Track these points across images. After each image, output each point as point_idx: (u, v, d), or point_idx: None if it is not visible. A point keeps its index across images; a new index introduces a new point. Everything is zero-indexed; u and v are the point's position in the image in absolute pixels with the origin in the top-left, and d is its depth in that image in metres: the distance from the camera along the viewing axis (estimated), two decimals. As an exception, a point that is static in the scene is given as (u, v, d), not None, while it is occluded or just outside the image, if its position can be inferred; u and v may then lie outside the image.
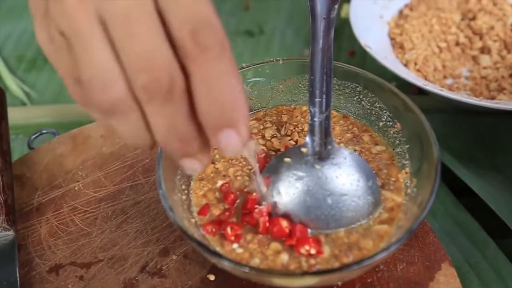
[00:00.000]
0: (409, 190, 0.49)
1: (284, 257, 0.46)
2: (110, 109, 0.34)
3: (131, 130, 0.35)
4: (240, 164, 0.53)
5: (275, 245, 0.46)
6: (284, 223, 0.47)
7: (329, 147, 0.48)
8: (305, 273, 0.43)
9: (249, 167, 0.52)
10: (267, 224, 0.47)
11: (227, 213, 0.49)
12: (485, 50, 0.78)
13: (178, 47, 0.33)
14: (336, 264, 0.45)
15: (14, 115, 0.74)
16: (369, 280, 0.49)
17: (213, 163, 0.53)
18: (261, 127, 0.55)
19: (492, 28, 0.79)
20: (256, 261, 0.45)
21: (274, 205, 0.47)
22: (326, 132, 0.49)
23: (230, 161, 0.53)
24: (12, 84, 0.82)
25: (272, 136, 0.54)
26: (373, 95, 0.54)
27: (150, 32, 0.32)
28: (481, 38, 0.79)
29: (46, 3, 0.34)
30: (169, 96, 0.33)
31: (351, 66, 0.54)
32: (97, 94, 0.33)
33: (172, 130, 0.34)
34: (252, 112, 0.57)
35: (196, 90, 0.33)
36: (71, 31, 0.33)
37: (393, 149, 0.52)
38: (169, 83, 0.33)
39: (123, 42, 0.32)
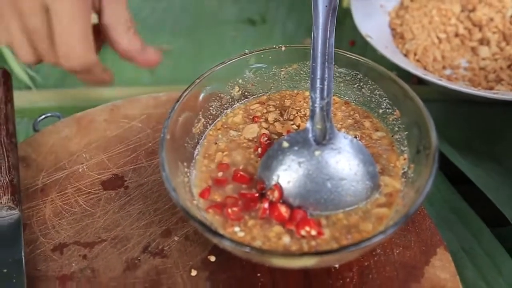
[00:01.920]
0: (407, 176, 0.50)
1: (286, 239, 0.47)
2: None
3: None
4: (244, 145, 0.54)
5: (278, 228, 0.47)
6: (283, 209, 0.48)
7: (329, 132, 0.49)
8: (304, 254, 0.44)
9: (252, 149, 0.53)
10: (267, 211, 0.48)
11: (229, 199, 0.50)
12: (484, 41, 0.79)
13: None
14: (336, 246, 0.46)
15: (19, 98, 0.75)
16: (366, 264, 0.51)
17: (215, 143, 0.54)
18: (265, 110, 0.57)
19: (491, 19, 0.80)
20: (258, 244, 0.46)
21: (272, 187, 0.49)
22: (326, 118, 0.50)
23: (233, 140, 0.54)
24: (18, 69, 0.83)
25: (275, 120, 0.55)
26: (373, 82, 0.55)
27: None
28: (480, 29, 0.80)
29: None
30: None
31: (352, 54, 0.55)
32: None
33: None
34: (255, 96, 0.58)
35: None
36: None
37: (392, 136, 0.53)
38: None
39: None
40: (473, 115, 0.73)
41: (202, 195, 0.50)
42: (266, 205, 0.48)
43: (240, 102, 0.58)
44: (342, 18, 0.90)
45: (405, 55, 0.78)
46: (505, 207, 0.60)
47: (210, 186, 0.51)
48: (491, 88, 0.73)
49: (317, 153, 0.49)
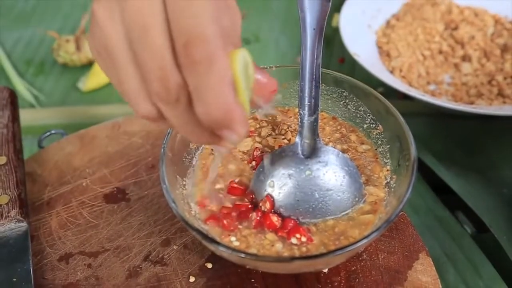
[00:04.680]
0: (390, 186, 0.54)
1: (279, 245, 0.50)
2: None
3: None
4: (239, 157, 0.57)
5: (271, 236, 0.51)
6: (275, 218, 0.51)
7: (317, 146, 0.53)
8: (294, 258, 0.48)
9: (246, 161, 0.57)
10: (258, 219, 0.51)
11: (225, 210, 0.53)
12: (466, 58, 0.83)
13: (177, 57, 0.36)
14: (324, 251, 0.49)
15: (23, 116, 0.78)
16: (353, 268, 0.54)
17: (211, 154, 0.58)
18: (258, 126, 0.60)
19: (473, 37, 0.84)
20: (252, 251, 0.50)
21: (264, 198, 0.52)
22: (314, 133, 0.53)
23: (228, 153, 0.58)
24: (21, 87, 0.87)
25: (268, 135, 0.59)
26: (358, 99, 0.58)
27: (161, 43, 0.36)
28: (462, 47, 0.84)
29: None
30: (176, 102, 0.38)
31: (338, 73, 0.58)
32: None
33: (183, 126, 0.39)
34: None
35: (191, 97, 0.37)
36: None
37: (376, 149, 0.57)
38: (176, 93, 0.37)
39: (140, 53, 0.37)
40: (455, 128, 0.77)
41: (200, 204, 0.53)
42: (258, 217, 0.51)
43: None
44: (332, 37, 0.94)
45: (391, 72, 0.82)
46: (485, 214, 0.64)
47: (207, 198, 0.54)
48: (472, 103, 0.77)
49: (305, 165, 0.52)
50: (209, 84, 0.36)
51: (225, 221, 0.51)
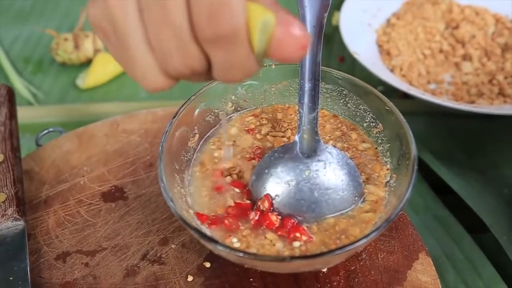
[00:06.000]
0: (390, 185, 0.53)
1: (279, 245, 0.50)
2: None
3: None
4: (240, 154, 0.57)
5: (271, 235, 0.50)
6: (274, 217, 0.51)
7: (316, 145, 0.53)
8: (291, 258, 0.47)
9: (247, 156, 0.56)
10: (257, 219, 0.51)
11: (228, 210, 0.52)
12: (467, 57, 0.83)
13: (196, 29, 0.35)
14: (324, 250, 0.49)
15: (21, 114, 0.77)
16: (352, 268, 0.54)
17: (211, 151, 0.57)
18: (258, 123, 0.60)
19: (473, 36, 0.84)
20: (253, 251, 0.49)
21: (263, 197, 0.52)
22: (313, 131, 0.53)
23: (228, 150, 0.57)
24: (19, 85, 0.86)
25: (268, 133, 0.59)
26: (357, 98, 0.58)
27: (180, 19, 0.35)
28: (463, 46, 0.83)
29: None
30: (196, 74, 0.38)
31: (338, 71, 0.58)
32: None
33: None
34: (249, 109, 0.61)
35: (212, 67, 0.37)
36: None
37: (376, 148, 0.57)
38: (196, 69, 0.37)
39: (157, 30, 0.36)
40: (456, 127, 0.77)
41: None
42: (256, 217, 0.51)
43: (235, 115, 0.61)
44: (332, 35, 0.93)
45: (391, 71, 0.82)
46: (485, 214, 0.63)
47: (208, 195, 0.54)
48: (472, 102, 0.77)
49: (304, 164, 0.52)
50: (236, 60, 0.36)
51: (226, 221, 0.51)
